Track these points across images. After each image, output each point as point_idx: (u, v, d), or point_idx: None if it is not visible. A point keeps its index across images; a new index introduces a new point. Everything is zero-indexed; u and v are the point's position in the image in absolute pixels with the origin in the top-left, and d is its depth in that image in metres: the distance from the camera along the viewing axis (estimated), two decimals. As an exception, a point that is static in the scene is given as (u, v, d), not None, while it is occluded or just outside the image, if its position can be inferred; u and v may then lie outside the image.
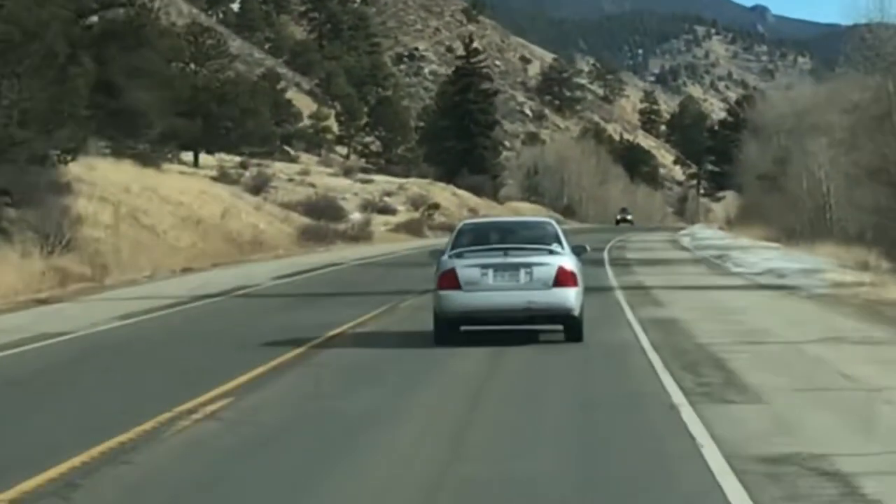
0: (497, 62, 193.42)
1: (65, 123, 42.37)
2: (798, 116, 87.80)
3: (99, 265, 41.11)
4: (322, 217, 72.61)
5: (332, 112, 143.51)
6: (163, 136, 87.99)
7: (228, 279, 35.43)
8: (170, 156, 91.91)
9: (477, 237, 18.07)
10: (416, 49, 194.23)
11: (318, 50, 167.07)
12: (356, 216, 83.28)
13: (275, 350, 17.02)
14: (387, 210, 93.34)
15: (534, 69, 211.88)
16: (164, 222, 50.25)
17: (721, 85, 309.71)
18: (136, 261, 43.47)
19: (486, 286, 17.04)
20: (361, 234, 69.72)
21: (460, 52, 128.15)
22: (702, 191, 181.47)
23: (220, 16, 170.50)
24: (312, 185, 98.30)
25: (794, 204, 60.73)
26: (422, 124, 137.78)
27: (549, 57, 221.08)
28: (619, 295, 27.47)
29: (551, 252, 17.50)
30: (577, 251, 18.43)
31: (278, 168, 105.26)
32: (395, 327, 20.79)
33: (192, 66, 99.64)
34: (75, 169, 50.98)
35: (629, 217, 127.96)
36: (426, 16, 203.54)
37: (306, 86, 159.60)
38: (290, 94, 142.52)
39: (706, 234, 72.82)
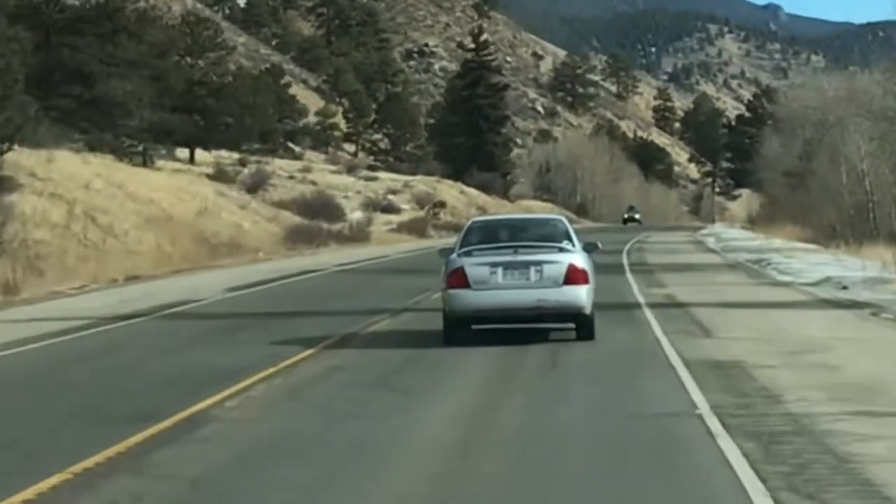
0: (508, 58, 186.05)
1: (-2, 107, 35.91)
2: (826, 108, 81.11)
3: (35, 271, 34.66)
4: (317, 216, 65.97)
5: (340, 109, 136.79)
6: (156, 131, 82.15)
7: (173, 291, 28.73)
8: (164, 152, 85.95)
9: (486, 235, 17.28)
10: (426, 45, 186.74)
11: (325, 46, 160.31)
12: (357, 215, 76.79)
13: (102, 434, 10.26)
14: (391, 209, 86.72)
15: (546, 65, 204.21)
16: (126, 222, 43.59)
17: (734, 83, 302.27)
18: (81, 267, 36.89)
19: (495, 285, 16.24)
20: (358, 235, 63.03)
21: (471, 47, 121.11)
22: (717, 189, 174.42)
23: (226, 11, 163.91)
24: (314, 183, 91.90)
25: (832, 200, 53.72)
26: (432, 121, 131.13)
27: (561, 53, 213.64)
28: (650, 316, 20.70)
29: (561, 249, 16.71)
30: (589, 248, 17.52)
31: (279, 165, 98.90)
32: (326, 385, 13.90)
33: (188, 58, 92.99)
34: (27, 161, 44.41)
35: (637, 216, 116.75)
36: (436, 11, 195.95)
37: (314, 82, 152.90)
38: (297, 90, 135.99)
39: (732, 235, 65.68)
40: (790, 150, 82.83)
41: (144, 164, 78.19)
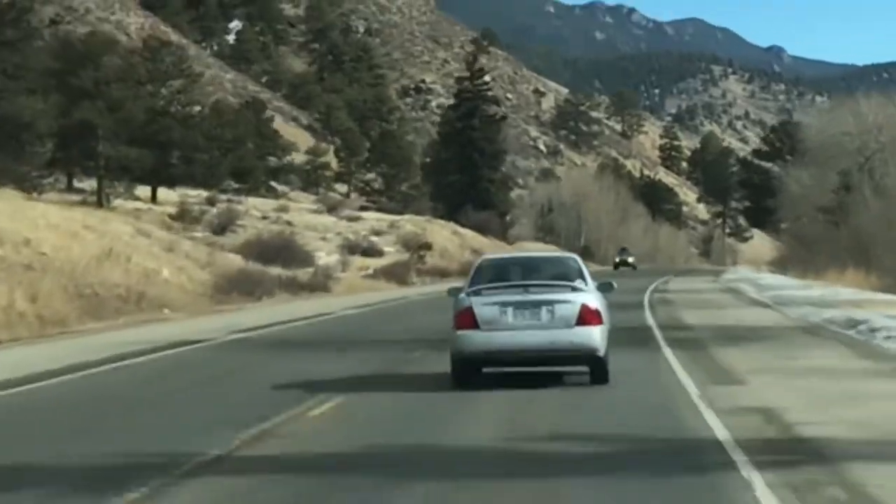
0: (509, 95, 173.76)
1: None
2: (868, 134, 68.72)
3: None
4: (274, 260, 53.52)
5: (332, 147, 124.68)
6: (112, 167, 70.83)
7: None
8: (121, 190, 74.20)
9: (497, 273, 16.10)
10: (423, 81, 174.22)
11: (317, 82, 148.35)
12: (330, 259, 64.52)
13: None
14: (372, 251, 74.25)
15: (548, 103, 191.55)
16: (-29, 271, 31.10)
17: (739, 124, 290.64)
18: None
19: (505, 325, 15.11)
20: (317, 283, 50.49)
21: (465, 75, 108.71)
22: (727, 230, 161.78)
23: (215, 48, 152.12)
24: (289, 223, 79.76)
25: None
26: (428, 160, 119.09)
27: (563, 91, 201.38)
28: (764, 499, 8.04)
29: (574, 289, 15.46)
30: (603, 288, 16.01)
31: (252, 204, 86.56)
32: None
33: (149, 86, 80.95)
34: None
35: (630, 259, 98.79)
36: (433, 47, 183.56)
37: (305, 120, 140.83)
38: (288, 128, 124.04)
39: (769, 281, 52.77)
40: (824, 183, 70.38)
41: (100, 204, 66.51)
